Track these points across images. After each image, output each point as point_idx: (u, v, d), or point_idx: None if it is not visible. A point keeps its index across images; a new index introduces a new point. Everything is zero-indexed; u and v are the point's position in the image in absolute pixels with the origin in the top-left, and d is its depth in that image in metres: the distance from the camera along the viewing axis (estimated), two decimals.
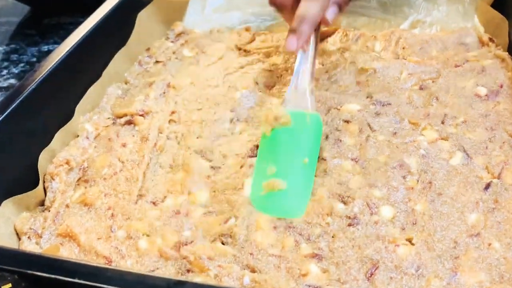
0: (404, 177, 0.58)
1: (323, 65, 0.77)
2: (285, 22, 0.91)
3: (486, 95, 0.68)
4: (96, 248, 0.53)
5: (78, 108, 0.70)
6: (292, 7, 0.68)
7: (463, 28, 0.81)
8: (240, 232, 0.54)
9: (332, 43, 0.82)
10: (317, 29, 0.69)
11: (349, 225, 0.54)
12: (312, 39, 0.68)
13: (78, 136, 0.68)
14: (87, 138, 0.67)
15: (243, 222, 0.55)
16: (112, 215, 0.57)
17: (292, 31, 0.65)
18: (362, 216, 0.54)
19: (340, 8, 0.70)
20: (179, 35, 0.88)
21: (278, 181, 0.56)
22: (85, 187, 0.61)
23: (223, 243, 0.53)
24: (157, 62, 0.82)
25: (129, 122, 0.70)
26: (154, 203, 0.59)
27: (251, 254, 0.52)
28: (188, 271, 0.51)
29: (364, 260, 0.50)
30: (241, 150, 0.63)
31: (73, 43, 0.72)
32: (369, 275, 0.49)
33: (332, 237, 0.53)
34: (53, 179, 0.61)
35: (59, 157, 0.63)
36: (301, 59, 0.67)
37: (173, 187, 0.60)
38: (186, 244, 0.53)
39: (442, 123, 0.64)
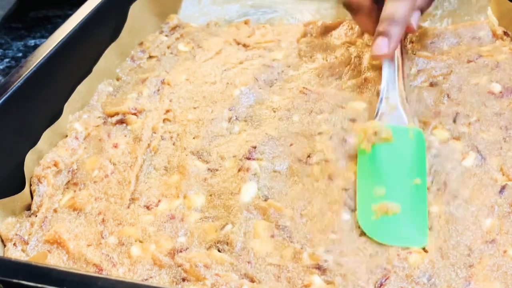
0: None
1: (327, 60, 0.77)
2: (287, 15, 0.91)
3: (500, 92, 0.67)
4: (86, 256, 0.53)
5: (67, 107, 0.70)
6: (370, 8, 0.66)
7: (476, 21, 0.81)
8: (237, 239, 0.53)
9: (336, 37, 0.82)
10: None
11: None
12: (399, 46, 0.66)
13: (66, 136, 0.67)
14: (77, 138, 0.66)
15: (240, 228, 0.54)
16: (103, 220, 0.57)
17: (381, 33, 0.62)
18: None
19: (422, 12, 0.68)
20: (174, 28, 0.88)
21: (391, 204, 0.54)
22: (74, 191, 0.60)
23: (219, 251, 0.53)
24: (150, 57, 0.82)
25: (121, 122, 0.69)
26: (147, 207, 0.58)
27: (248, 262, 0.51)
28: (184, 279, 0.51)
29: (374, 270, 0.50)
30: (239, 151, 0.62)
31: (61, 38, 0.71)
32: (379, 285, 0.49)
33: (340, 252, 0.52)
34: (40, 182, 0.61)
35: (46, 159, 0.63)
36: (389, 68, 0.65)
37: (167, 191, 0.60)
38: (181, 251, 0.53)
39: (454, 122, 0.64)
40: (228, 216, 0.56)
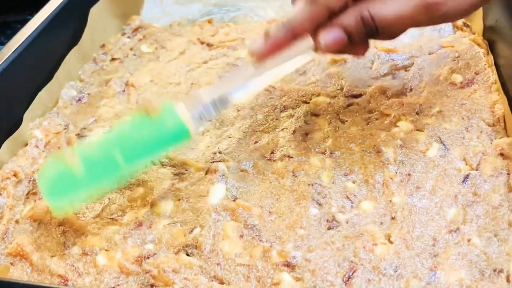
0: (381, 166, 0.58)
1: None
2: (251, 13, 0.91)
3: (461, 83, 0.68)
4: (50, 267, 0.51)
5: (27, 115, 0.68)
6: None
7: None
8: (206, 241, 0.52)
9: None
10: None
11: (329, 228, 0.53)
12: (278, 59, 0.56)
13: (27, 145, 0.65)
14: (37, 146, 0.65)
15: (209, 231, 0.53)
16: (64, 231, 0.55)
17: (264, 32, 0.55)
18: (341, 214, 0.54)
19: (351, 37, 0.52)
20: (136, 30, 0.87)
21: (77, 162, 0.51)
22: (35, 201, 0.59)
23: (188, 254, 0.52)
24: (113, 59, 0.81)
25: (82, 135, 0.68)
26: (112, 219, 0.57)
27: (218, 264, 0.51)
28: (152, 286, 0.50)
29: (342, 263, 0.50)
30: (203, 155, 0.62)
31: (19, 43, 0.69)
32: (347, 279, 0.49)
33: (308, 247, 0.52)
34: (0, 194, 0.59)
35: (5, 169, 0.61)
36: (249, 70, 0.57)
37: (133, 202, 0.58)
38: (148, 257, 0.52)
39: (417, 113, 0.64)
40: (196, 219, 0.55)
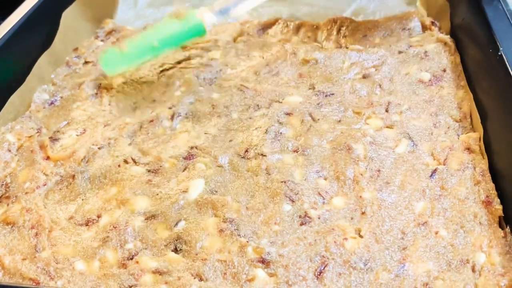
0: (352, 163, 0.59)
1: (263, 58, 0.78)
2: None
3: (429, 80, 0.70)
4: (21, 270, 0.51)
5: None
6: None
7: (406, 13, 0.84)
8: (187, 237, 0.53)
9: (272, 34, 0.83)
10: None
11: (301, 224, 0.54)
12: None
13: None
14: (9, 150, 0.64)
15: (189, 225, 0.54)
16: (36, 234, 0.55)
17: None
18: (313, 210, 0.55)
19: None
20: (109, 33, 0.87)
21: (125, 44, 0.75)
22: (7, 204, 0.58)
23: (169, 251, 0.53)
24: (86, 62, 0.81)
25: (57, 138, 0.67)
26: (86, 224, 0.56)
27: (202, 260, 0.51)
28: (131, 286, 0.50)
29: (314, 258, 0.51)
30: (178, 151, 0.62)
31: None
32: (318, 273, 0.50)
33: (282, 243, 0.53)
34: None
35: None
36: None
37: (107, 203, 0.58)
38: (131, 258, 0.52)
39: (387, 111, 0.66)
40: (176, 214, 0.55)
